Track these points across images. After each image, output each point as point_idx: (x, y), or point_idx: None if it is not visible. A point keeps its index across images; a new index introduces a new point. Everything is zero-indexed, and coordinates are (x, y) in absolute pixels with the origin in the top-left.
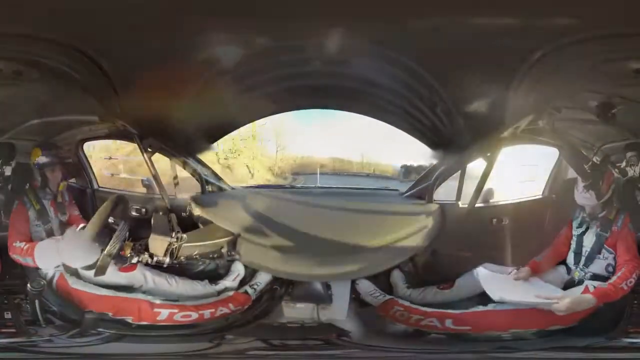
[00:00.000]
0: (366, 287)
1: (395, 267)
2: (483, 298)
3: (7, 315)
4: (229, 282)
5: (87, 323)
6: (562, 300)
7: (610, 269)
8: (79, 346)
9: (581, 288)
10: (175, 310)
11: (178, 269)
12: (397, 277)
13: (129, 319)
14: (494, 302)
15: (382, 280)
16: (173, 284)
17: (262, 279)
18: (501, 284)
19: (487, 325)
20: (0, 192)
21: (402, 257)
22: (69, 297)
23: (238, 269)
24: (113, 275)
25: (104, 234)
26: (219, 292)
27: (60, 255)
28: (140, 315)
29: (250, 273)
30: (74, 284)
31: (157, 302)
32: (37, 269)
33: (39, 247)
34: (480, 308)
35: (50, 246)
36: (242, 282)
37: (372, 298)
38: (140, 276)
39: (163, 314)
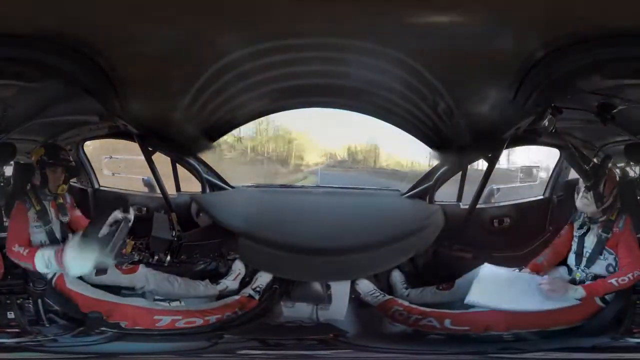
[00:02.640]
0: (366, 287)
1: (396, 268)
2: None
3: (11, 315)
4: (230, 281)
5: (90, 322)
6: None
7: (611, 269)
8: (83, 345)
9: None
10: (179, 317)
11: (179, 268)
12: (396, 278)
13: (123, 324)
14: None
15: (381, 280)
16: (175, 285)
17: (263, 281)
18: (494, 286)
19: (486, 326)
20: (1, 193)
21: (403, 258)
22: (66, 297)
23: (239, 268)
24: (114, 276)
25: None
26: (221, 292)
27: (59, 266)
28: (135, 321)
29: (250, 274)
30: (70, 284)
31: (158, 308)
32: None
33: (38, 256)
34: (480, 308)
35: (47, 257)
36: (244, 283)
37: (372, 298)
38: (142, 278)
39: (164, 321)
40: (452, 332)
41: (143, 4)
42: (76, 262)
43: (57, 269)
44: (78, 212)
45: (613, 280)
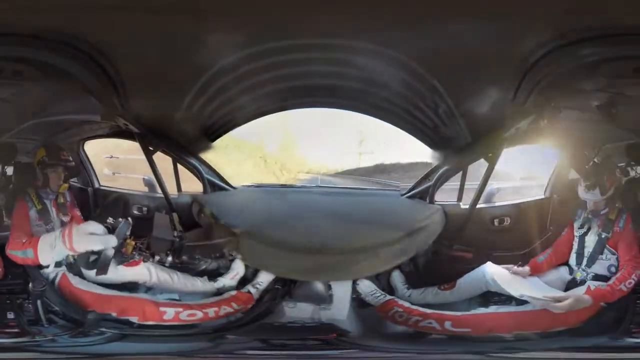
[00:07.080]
0: (367, 287)
1: (396, 268)
2: (484, 299)
3: (10, 315)
4: (227, 280)
5: (89, 323)
6: (564, 301)
7: (613, 269)
8: (82, 346)
9: (583, 288)
10: (180, 309)
11: (180, 268)
12: (397, 278)
13: (134, 319)
14: (495, 304)
15: (383, 280)
16: (175, 279)
17: (265, 279)
18: (513, 281)
19: (488, 328)
20: (2, 192)
21: (403, 258)
22: (71, 297)
23: (237, 267)
24: (118, 272)
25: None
26: (218, 289)
27: (65, 241)
28: (145, 316)
29: (253, 272)
30: (77, 284)
31: (162, 300)
32: (39, 268)
33: (43, 239)
34: (482, 310)
35: (53, 237)
36: (245, 281)
37: (373, 298)
38: (145, 271)
39: (169, 313)
40: (453, 334)
41: (143, 4)
42: (83, 240)
43: (61, 252)
44: (77, 212)
45: (622, 286)
